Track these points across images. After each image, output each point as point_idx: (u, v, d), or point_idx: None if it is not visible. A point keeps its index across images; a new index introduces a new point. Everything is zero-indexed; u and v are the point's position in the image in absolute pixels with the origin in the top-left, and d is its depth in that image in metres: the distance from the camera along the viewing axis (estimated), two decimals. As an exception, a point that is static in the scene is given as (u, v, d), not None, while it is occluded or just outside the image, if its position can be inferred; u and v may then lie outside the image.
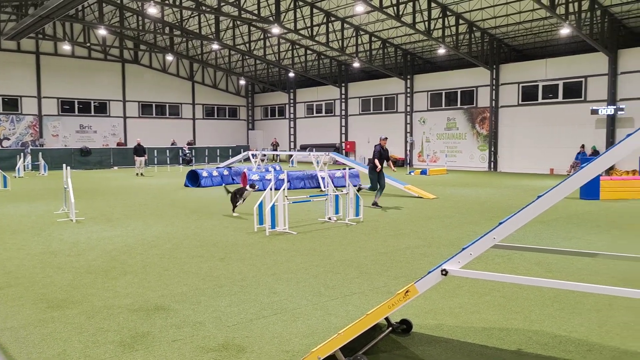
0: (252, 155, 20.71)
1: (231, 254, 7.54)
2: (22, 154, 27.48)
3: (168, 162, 33.09)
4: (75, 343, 4.23)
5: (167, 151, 33.68)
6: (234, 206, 11.47)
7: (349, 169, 18.01)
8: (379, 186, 13.00)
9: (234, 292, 5.65)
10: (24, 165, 26.40)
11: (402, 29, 28.25)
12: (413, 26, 24.59)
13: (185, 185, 18.78)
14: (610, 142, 23.96)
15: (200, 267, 6.76)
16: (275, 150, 37.62)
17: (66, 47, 33.73)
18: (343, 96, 37.12)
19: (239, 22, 31.11)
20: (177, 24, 32.70)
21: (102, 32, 30.02)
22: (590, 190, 14.38)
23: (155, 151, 33.24)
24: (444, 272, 3.42)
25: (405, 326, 4.46)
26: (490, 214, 11.75)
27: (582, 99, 25.47)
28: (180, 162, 34.07)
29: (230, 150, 37.36)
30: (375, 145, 13.20)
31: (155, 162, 32.49)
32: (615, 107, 23.84)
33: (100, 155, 31.60)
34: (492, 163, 28.88)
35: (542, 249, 4.54)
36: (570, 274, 6.34)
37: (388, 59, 32.51)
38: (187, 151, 34.52)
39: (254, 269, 6.69)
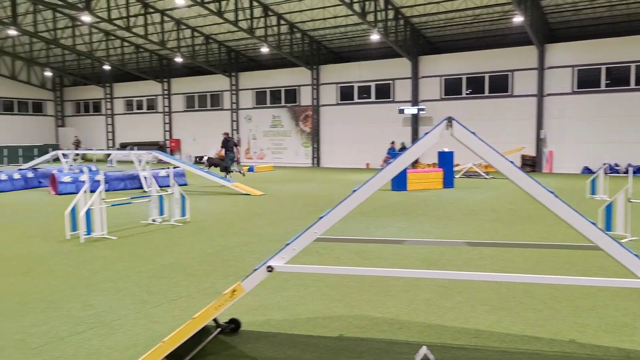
0: (63, 155, 18.69)
1: (38, 267, 6.70)
2: None
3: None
4: None
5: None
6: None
7: (174, 167, 17.36)
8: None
9: (40, 309, 5.03)
10: None
11: (225, 26, 28.05)
12: (235, 24, 24.60)
13: (-22, 191, 16.21)
14: (415, 138, 26.89)
15: (-3, 285, 5.87)
16: (78, 148, 34.00)
17: None
18: (166, 92, 35.60)
19: (40, 7, 27.77)
20: (-39, 2, 27.95)
21: None
22: (399, 183, 15.97)
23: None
24: (270, 269, 3.47)
25: (234, 325, 4.43)
26: (314, 207, 12.32)
27: (391, 99, 28.15)
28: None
29: (35, 149, 33.25)
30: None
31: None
32: (417, 107, 26.84)
33: None
34: (315, 159, 30.35)
35: (360, 239, 4.89)
36: (384, 260, 6.94)
37: (212, 55, 32.03)
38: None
39: (65, 281, 6.03)
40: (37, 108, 39.62)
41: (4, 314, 4.90)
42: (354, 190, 3.36)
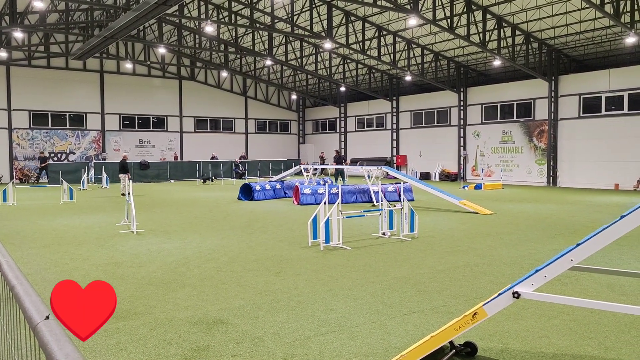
0: (304, 169, 20.82)
1: (286, 269, 7.54)
2: (86, 167, 28.85)
3: (221, 176, 33.86)
4: (139, 355, 4.31)
5: (221, 165, 34.49)
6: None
7: (403, 183, 17.81)
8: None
9: (290, 307, 5.62)
10: (88, 179, 27.71)
11: (455, 42, 27.84)
12: (467, 38, 24.18)
13: (239, 199, 19.09)
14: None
15: (256, 281, 6.78)
16: (322, 163, 37.53)
17: (128, 66, 35.24)
18: (394, 110, 36.86)
19: (291, 38, 31.59)
20: (231, 41, 33.58)
21: (161, 50, 31.22)
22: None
23: (210, 165, 34.17)
24: (516, 295, 3.25)
25: (469, 349, 4.28)
26: (552, 231, 11.25)
27: (649, 110, 24.19)
28: (233, 175, 34.76)
29: (282, 164, 37.79)
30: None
31: (210, 176, 33.40)
32: (686, 119, 22.48)
33: (157, 168, 32.69)
34: (550, 178, 27.80)
35: (617, 271, 4.27)
36: (646, 298, 5.94)
37: (440, 72, 32.07)
38: (239, 165, 35.23)
39: (309, 284, 6.65)
40: (284, 127, 45.01)
41: (263, 308, 5.62)
42: (622, 216, 2.94)
